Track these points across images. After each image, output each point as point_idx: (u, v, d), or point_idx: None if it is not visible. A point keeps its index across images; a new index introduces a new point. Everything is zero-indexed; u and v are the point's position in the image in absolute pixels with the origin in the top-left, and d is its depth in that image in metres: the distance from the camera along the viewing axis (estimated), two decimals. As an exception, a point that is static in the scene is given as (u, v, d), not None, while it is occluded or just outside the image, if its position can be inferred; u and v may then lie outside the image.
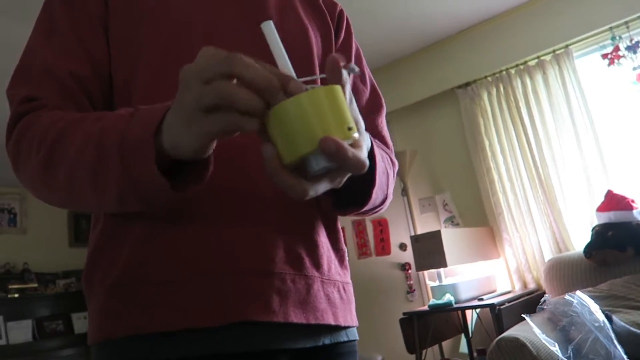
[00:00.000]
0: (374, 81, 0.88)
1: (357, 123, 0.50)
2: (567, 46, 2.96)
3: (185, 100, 0.48)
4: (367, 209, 0.68)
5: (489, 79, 3.23)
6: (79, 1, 0.69)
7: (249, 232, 0.62)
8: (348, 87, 0.50)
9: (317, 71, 0.77)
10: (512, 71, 3.14)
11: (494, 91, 3.20)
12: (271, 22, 0.50)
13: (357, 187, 0.64)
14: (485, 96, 3.23)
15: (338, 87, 0.47)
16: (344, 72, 0.49)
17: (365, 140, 0.55)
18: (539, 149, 2.98)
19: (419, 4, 2.93)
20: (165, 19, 0.68)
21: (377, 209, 0.73)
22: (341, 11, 0.89)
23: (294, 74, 0.48)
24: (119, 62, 0.68)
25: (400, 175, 3.33)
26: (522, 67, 3.11)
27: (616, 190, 2.50)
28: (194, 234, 0.61)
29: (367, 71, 0.87)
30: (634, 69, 2.83)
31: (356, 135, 0.47)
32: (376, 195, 0.66)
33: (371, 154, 0.62)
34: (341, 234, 0.77)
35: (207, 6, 0.71)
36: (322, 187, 0.50)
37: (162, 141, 0.51)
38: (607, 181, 2.73)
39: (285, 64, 0.49)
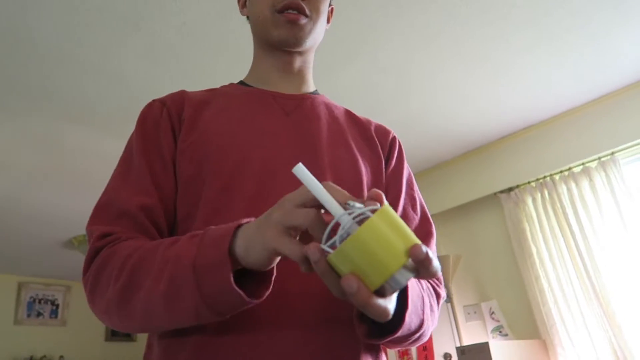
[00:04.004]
0: (426, 208, 0.89)
1: None
2: (612, 153, 2.94)
3: (274, 215, 0.53)
4: (401, 334, 0.66)
5: (533, 184, 3.21)
6: (155, 142, 0.78)
7: (300, 338, 0.64)
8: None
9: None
10: (557, 177, 3.11)
11: (538, 197, 3.16)
12: (301, 165, 0.53)
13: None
14: (529, 201, 3.19)
15: (388, 206, 0.50)
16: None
17: None
18: (591, 257, 2.84)
19: (460, 113, 3.03)
20: (225, 159, 0.75)
21: (414, 337, 0.71)
22: (393, 139, 0.93)
23: (340, 209, 0.51)
24: (184, 197, 0.75)
25: (444, 281, 3.23)
26: (566, 173, 3.08)
27: None
28: (249, 340, 0.63)
29: (419, 197, 0.89)
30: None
31: None
32: (410, 319, 0.65)
33: None
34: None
35: (264, 145, 0.77)
36: (394, 302, 0.52)
37: (234, 251, 0.56)
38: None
39: (328, 199, 0.51)
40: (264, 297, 0.58)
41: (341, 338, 0.67)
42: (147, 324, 0.64)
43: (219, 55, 2.28)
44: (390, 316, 0.50)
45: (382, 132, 0.93)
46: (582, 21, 2.31)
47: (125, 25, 2.04)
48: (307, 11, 0.83)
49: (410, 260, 0.47)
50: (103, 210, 0.73)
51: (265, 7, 0.84)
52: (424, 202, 0.90)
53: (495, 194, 3.37)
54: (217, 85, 0.93)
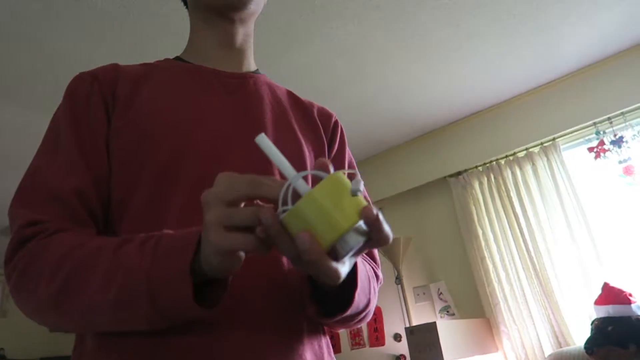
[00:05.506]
0: (368, 195, 0.88)
1: None
2: (554, 139, 3.06)
3: (208, 217, 0.49)
4: (350, 313, 0.66)
5: (480, 168, 3.30)
6: (85, 118, 0.72)
7: (245, 339, 0.62)
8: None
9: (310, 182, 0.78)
10: (502, 162, 3.22)
11: (485, 180, 3.26)
12: (264, 135, 0.53)
13: (340, 293, 0.64)
14: (476, 185, 3.29)
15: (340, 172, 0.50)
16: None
17: None
18: (532, 238, 2.97)
19: (411, 97, 3.07)
20: (165, 140, 0.70)
21: (360, 316, 0.71)
22: (335, 122, 0.92)
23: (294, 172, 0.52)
24: (118, 180, 0.69)
25: (394, 263, 3.28)
26: (511, 158, 3.19)
27: (613, 283, 2.46)
28: (194, 342, 0.60)
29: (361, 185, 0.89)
30: (620, 162, 2.91)
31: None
32: (359, 298, 0.65)
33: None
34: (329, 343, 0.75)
35: (206, 125, 0.73)
36: (346, 268, 0.52)
37: (195, 265, 0.52)
38: (603, 272, 2.70)
39: (287, 168, 0.51)
40: (221, 302, 0.56)
41: (287, 332, 0.66)
42: (86, 328, 0.61)
43: (162, 31, 2.19)
44: (342, 279, 0.50)
45: (325, 115, 0.91)
46: (530, 10, 2.38)
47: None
48: None
49: (361, 222, 0.48)
50: (29, 192, 0.67)
51: None
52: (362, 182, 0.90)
53: (444, 177, 3.45)
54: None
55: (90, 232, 0.66)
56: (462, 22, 2.40)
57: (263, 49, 2.22)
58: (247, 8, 0.82)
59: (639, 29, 2.70)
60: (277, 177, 0.72)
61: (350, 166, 0.89)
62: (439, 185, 3.49)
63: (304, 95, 0.95)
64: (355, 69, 2.68)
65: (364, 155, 3.79)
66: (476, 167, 3.31)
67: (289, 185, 0.49)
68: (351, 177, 0.50)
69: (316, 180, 0.50)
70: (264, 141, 0.53)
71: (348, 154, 0.91)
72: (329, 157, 0.85)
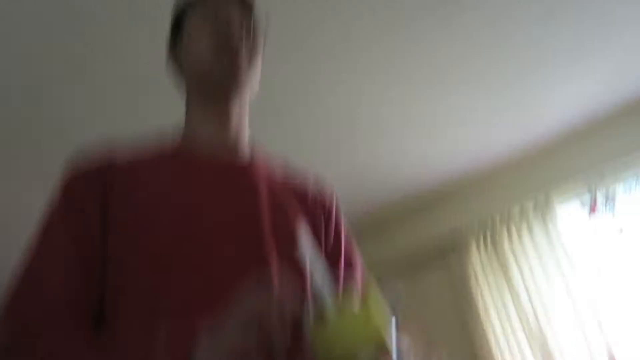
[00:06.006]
0: (363, 269, 0.90)
1: None
2: (547, 196, 3.04)
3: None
4: None
5: (475, 228, 3.25)
6: (79, 215, 0.72)
7: None
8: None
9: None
10: (497, 220, 3.18)
11: (481, 241, 3.21)
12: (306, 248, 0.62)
13: None
14: (473, 247, 3.22)
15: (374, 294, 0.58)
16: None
17: None
18: (532, 301, 2.89)
19: (403, 163, 3.07)
20: (162, 236, 0.70)
21: None
22: (331, 194, 0.94)
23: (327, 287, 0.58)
24: (114, 277, 0.69)
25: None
26: (506, 216, 3.15)
27: (618, 356, 2.36)
28: None
29: (357, 251, 0.91)
30: (614, 218, 2.88)
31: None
32: None
33: None
34: None
35: (203, 214, 0.74)
36: None
37: None
38: (604, 338, 2.62)
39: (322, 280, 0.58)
40: None
41: None
42: None
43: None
44: None
45: (322, 188, 0.93)
46: (511, 76, 2.43)
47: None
48: (244, 51, 0.84)
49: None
50: (20, 296, 0.66)
51: (204, 47, 0.84)
52: (358, 258, 0.92)
53: (439, 241, 3.38)
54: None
55: (81, 335, 0.64)
56: (447, 93, 2.45)
57: (255, 115, 2.23)
58: (241, 83, 0.84)
59: (622, 88, 2.74)
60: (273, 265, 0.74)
61: (348, 239, 0.91)
62: (434, 249, 3.41)
63: (295, 156, 0.98)
64: (347, 133, 2.70)
65: (356, 219, 3.73)
66: (471, 227, 3.26)
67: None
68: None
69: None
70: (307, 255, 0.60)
71: (345, 227, 0.93)
72: (326, 231, 0.87)
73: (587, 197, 2.98)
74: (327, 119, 2.51)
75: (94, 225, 0.71)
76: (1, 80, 1.91)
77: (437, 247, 3.41)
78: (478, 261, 3.17)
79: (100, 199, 0.73)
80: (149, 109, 2.15)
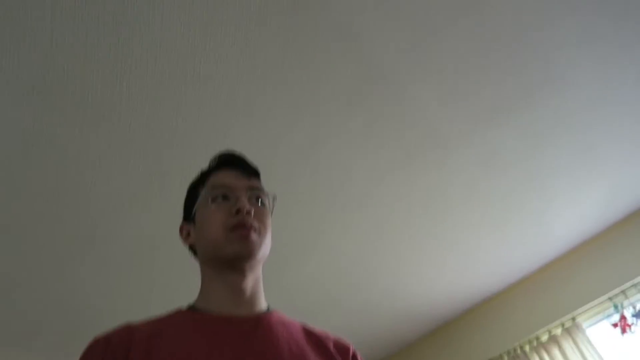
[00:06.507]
0: None
1: None
2: (574, 318, 2.96)
3: None
4: None
5: (505, 357, 3.12)
6: None
7: None
8: None
9: None
10: (527, 348, 3.06)
11: (514, 371, 3.06)
12: None
13: None
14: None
15: None
16: None
17: None
18: None
19: (419, 294, 3.06)
20: None
21: None
22: (354, 354, 0.92)
23: None
24: None
25: None
26: (535, 343, 3.04)
27: None
28: None
29: None
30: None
31: None
32: None
33: None
34: None
35: None
36: None
37: None
38: None
39: None
40: None
41: None
42: None
43: (178, 267, 2.28)
44: None
45: (342, 348, 0.91)
46: (514, 200, 2.53)
47: (80, 241, 2.05)
48: (256, 227, 0.89)
49: None
50: None
51: (218, 228, 0.88)
52: None
53: (470, 375, 3.23)
54: (173, 301, 0.91)
55: None
56: (453, 217, 2.53)
57: (271, 262, 2.29)
58: (255, 256, 0.89)
59: (624, 201, 2.82)
60: None
61: None
62: (467, 382, 3.25)
63: (307, 310, 0.98)
64: (361, 275, 2.73)
65: (380, 356, 3.61)
66: (500, 356, 3.13)
67: None
68: None
69: None
70: None
71: None
72: None
73: (615, 315, 2.90)
74: (337, 262, 2.57)
75: None
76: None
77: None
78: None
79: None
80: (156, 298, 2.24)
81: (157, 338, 0.80)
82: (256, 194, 0.96)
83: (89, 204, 1.90)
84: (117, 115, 1.64)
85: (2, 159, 1.67)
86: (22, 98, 1.52)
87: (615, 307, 2.91)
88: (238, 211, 0.89)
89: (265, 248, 0.92)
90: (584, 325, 2.96)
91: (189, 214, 0.99)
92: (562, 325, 2.99)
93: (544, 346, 3.01)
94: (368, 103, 1.85)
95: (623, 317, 2.87)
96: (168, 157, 1.82)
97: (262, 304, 0.93)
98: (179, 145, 1.79)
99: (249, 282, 0.90)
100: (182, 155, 1.82)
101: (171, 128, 1.72)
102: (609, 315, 2.96)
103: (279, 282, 2.55)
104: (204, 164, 1.03)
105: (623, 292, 2.89)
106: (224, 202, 0.93)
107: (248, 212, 0.89)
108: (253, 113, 1.76)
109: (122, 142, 1.72)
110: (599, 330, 3.02)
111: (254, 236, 0.88)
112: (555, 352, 2.96)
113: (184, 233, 1.00)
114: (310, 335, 0.91)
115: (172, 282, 2.35)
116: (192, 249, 1.00)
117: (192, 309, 0.90)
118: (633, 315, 2.85)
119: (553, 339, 2.99)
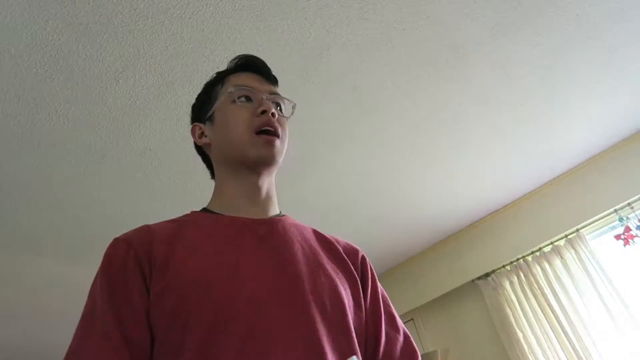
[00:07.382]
0: (405, 327, 0.90)
1: None
2: (577, 230, 3.02)
3: None
4: None
5: (508, 267, 3.23)
6: (122, 289, 0.73)
7: None
8: None
9: (351, 324, 0.79)
10: (530, 258, 3.15)
11: (515, 280, 3.18)
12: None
13: None
14: (507, 285, 3.20)
15: None
16: None
17: None
18: (577, 335, 2.82)
19: (428, 204, 3.10)
20: (207, 299, 0.71)
21: None
22: (363, 258, 0.94)
23: None
24: (162, 346, 0.70)
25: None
26: (538, 254, 3.13)
27: None
28: None
29: (395, 313, 0.90)
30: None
31: None
32: None
33: None
34: None
35: (245, 278, 0.75)
36: None
37: None
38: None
39: None
40: None
41: None
42: None
43: (185, 177, 2.32)
44: None
45: (352, 252, 0.93)
46: (523, 112, 2.49)
47: (91, 156, 2.08)
48: (279, 133, 0.89)
49: None
50: None
51: (243, 128, 0.88)
52: (398, 316, 0.92)
53: (472, 281, 3.36)
54: (186, 207, 0.92)
55: None
56: (465, 129, 2.51)
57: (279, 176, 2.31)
58: (277, 163, 0.90)
59: (636, 117, 2.77)
60: (322, 332, 0.74)
61: (385, 300, 0.91)
62: (469, 289, 3.39)
63: (323, 215, 1.00)
64: (368, 186, 2.76)
65: (388, 266, 3.75)
66: (503, 266, 3.24)
67: None
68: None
69: None
70: None
71: (379, 287, 0.92)
72: (363, 294, 0.87)
73: (619, 228, 2.95)
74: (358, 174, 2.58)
75: (137, 298, 0.72)
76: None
77: (471, 290, 3.39)
78: (515, 299, 3.14)
79: (141, 272, 0.74)
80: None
81: (175, 238, 0.80)
82: (277, 101, 0.95)
83: (104, 117, 1.91)
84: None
85: (24, 75, 1.66)
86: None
87: (621, 219, 2.95)
88: (263, 112, 0.88)
89: (284, 153, 0.93)
90: (588, 237, 3.02)
91: (204, 114, 0.97)
92: (566, 236, 3.05)
93: (546, 256, 3.10)
94: (383, 13, 1.77)
95: (627, 229, 2.92)
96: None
97: (276, 209, 0.94)
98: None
99: (264, 185, 0.91)
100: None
101: (176, 41, 1.68)
102: (613, 228, 3.01)
103: (286, 195, 2.59)
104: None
105: (630, 204, 2.91)
106: (248, 102, 0.91)
107: (273, 114, 0.88)
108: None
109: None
110: (602, 242, 3.09)
111: (277, 142, 0.89)
112: (557, 262, 3.06)
113: (197, 132, 0.98)
114: (321, 238, 0.94)
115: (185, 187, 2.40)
116: (201, 150, 0.99)
117: (206, 211, 0.91)
118: (637, 227, 2.90)
119: (555, 250, 3.07)
